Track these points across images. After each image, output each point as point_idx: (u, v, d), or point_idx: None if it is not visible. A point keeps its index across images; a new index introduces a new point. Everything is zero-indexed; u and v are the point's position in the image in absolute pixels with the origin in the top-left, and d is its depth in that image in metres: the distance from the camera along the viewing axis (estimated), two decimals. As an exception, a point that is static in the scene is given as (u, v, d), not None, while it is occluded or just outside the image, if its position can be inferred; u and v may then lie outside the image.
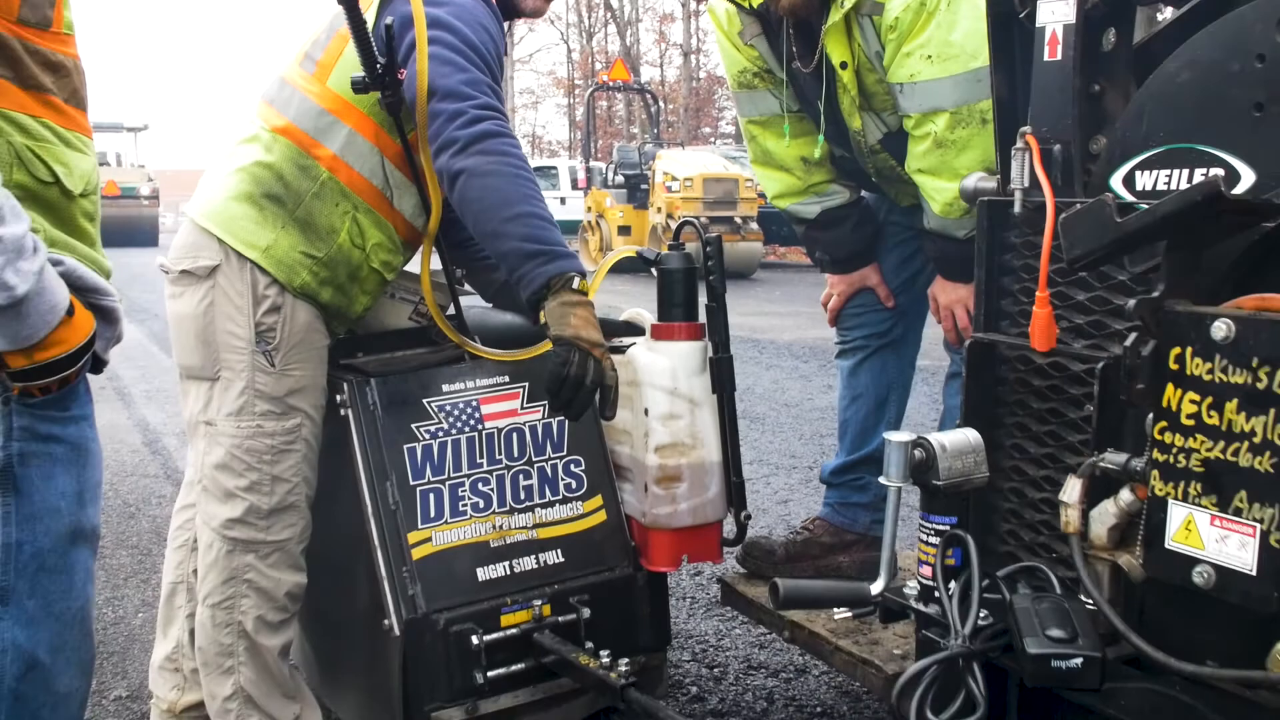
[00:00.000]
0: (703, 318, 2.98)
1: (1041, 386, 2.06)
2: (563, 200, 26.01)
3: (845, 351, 3.49)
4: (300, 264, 2.71)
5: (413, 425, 2.85)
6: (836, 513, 3.40)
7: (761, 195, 18.17)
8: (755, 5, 3.11)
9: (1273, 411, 1.40)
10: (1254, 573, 1.42)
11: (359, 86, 2.58)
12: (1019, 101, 2.34)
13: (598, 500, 3.02)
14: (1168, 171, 1.91)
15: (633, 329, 3.10)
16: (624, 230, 19.54)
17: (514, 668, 2.84)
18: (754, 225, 18.06)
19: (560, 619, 2.88)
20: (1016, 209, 2.13)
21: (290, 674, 2.92)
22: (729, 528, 3.07)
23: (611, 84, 20.23)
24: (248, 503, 2.74)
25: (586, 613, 2.90)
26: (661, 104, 24.13)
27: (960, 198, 2.63)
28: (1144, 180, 1.94)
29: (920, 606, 1.71)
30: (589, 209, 20.64)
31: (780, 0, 3.00)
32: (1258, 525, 1.42)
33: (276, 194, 2.71)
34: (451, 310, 3.03)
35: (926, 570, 1.73)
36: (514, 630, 2.83)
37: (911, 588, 1.77)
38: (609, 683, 2.62)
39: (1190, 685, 1.49)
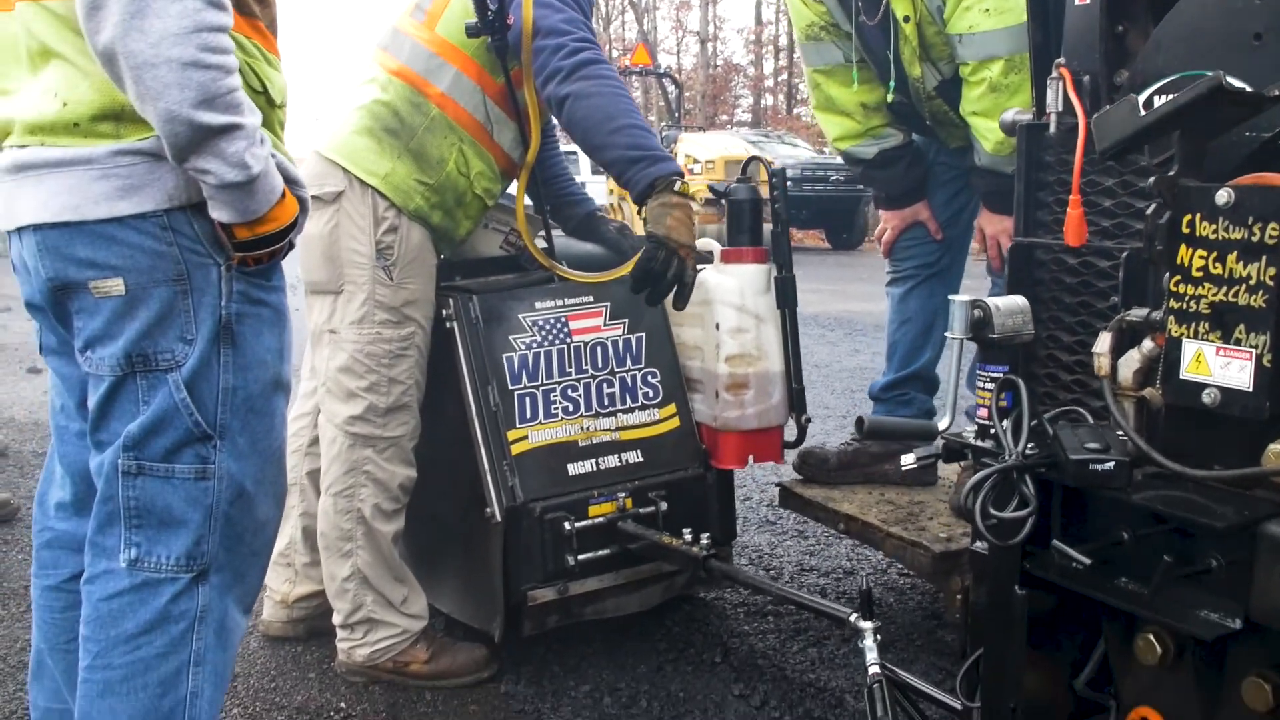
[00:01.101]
0: (768, 243, 3.34)
1: (1073, 283, 2.41)
2: (583, 185, 26.32)
3: (897, 280, 3.86)
4: (415, 190, 3.08)
5: (510, 337, 3.21)
6: (919, 462, 3.74)
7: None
8: None
9: (1264, 258, 1.75)
10: (1250, 389, 1.78)
11: (472, 31, 2.95)
12: (1052, 44, 2.69)
13: (672, 408, 3.38)
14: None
15: (703, 257, 3.46)
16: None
17: (601, 553, 3.20)
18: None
19: (641, 510, 3.24)
20: (1051, 130, 2.48)
21: (400, 561, 3.28)
22: (790, 434, 3.42)
23: (634, 69, 20.55)
24: (367, 401, 3.11)
25: (664, 506, 3.25)
26: (681, 91, 24.40)
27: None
28: (1160, 103, 2.29)
29: (979, 442, 2.06)
30: (610, 191, 20.98)
31: None
32: (1254, 351, 1.78)
33: (393, 128, 3.08)
34: (540, 240, 3.40)
35: (983, 412, 2.08)
36: (601, 519, 3.20)
37: (970, 430, 2.13)
38: (692, 554, 2.99)
39: (1200, 486, 1.85)
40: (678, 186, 2.89)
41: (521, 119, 3.14)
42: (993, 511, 1.89)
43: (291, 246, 2.12)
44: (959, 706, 2.25)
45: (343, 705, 3.13)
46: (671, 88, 22.88)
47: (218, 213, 1.95)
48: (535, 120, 3.11)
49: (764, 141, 21.27)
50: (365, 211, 3.06)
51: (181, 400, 2.01)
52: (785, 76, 37.97)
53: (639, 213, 2.93)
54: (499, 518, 3.12)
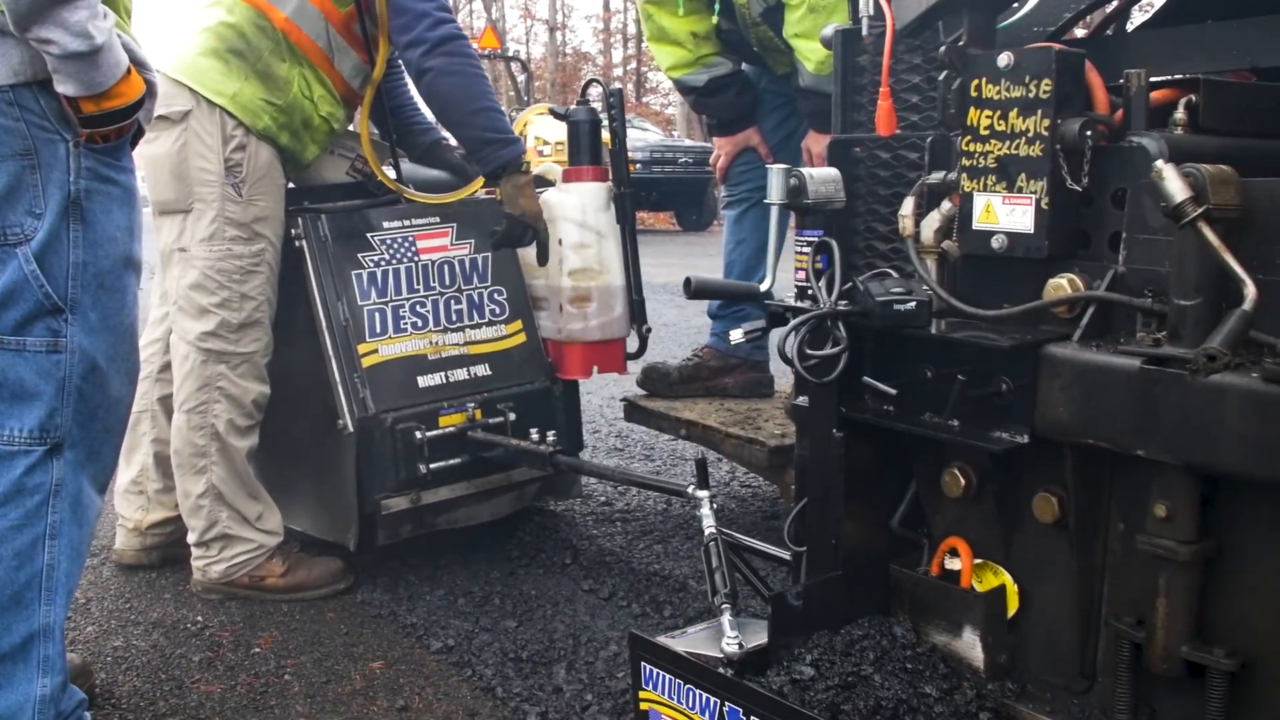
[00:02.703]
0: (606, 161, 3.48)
1: (887, 175, 2.61)
2: (430, 169, 26.10)
3: (732, 203, 4.05)
4: (262, 109, 3.14)
5: (359, 255, 3.30)
6: (721, 340, 3.94)
7: (633, 161, 18.70)
8: None
9: (1039, 111, 1.95)
10: (1032, 231, 1.98)
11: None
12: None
13: (518, 324, 3.50)
14: None
15: (545, 181, 3.59)
16: (492, 193, 19.81)
17: (452, 462, 3.30)
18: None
19: (490, 421, 3.36)
20: (864, 33, 2.66)
21: (254, 477, 3.33)
22: (632, 346, 3.57)
23: (481, 53, 20.51)
24: (219, 317, 3.16)
25: (512, 417, 3.37)
26: (530, 76, 24.44)
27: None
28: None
29: (798, 304, 2.23)
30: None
31: None
32: (1034, 196, 1.98)
33: (239, 49, 3.14)
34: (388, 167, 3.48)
35: (801, 274, 2.25)
36: (451, 429, 3.30)
37: (790, 294, 2.30)
38: (539, 451, 3.12)
39: (993, 323, 2.05)
40: (524, 167, 3.23)
41: (367, 48, 3.23)
42: (809, 352, 2.06)
43: (140, 128, 2.18)
44: (788, 556, 2.42)
45: (199, 619, 3.17)
46: (520, 73, 22.93)
47: (63, 85, 2.00)
48: (382, 56, 3.21)
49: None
50: (213, 130, 3.11)
51: (31, 272, 2.06)
52: (634, 65, 38.27)
53: (498, 194, 3.26)
54: (351, 429, 3.20)
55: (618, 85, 3.55)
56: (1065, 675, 2.11)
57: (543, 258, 3.37)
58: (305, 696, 2.72)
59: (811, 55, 3.48)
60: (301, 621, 3.15)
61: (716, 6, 3.71)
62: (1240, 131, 2.05)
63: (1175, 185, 1.71)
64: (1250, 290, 1.66)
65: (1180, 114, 2.01)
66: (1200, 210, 1.70)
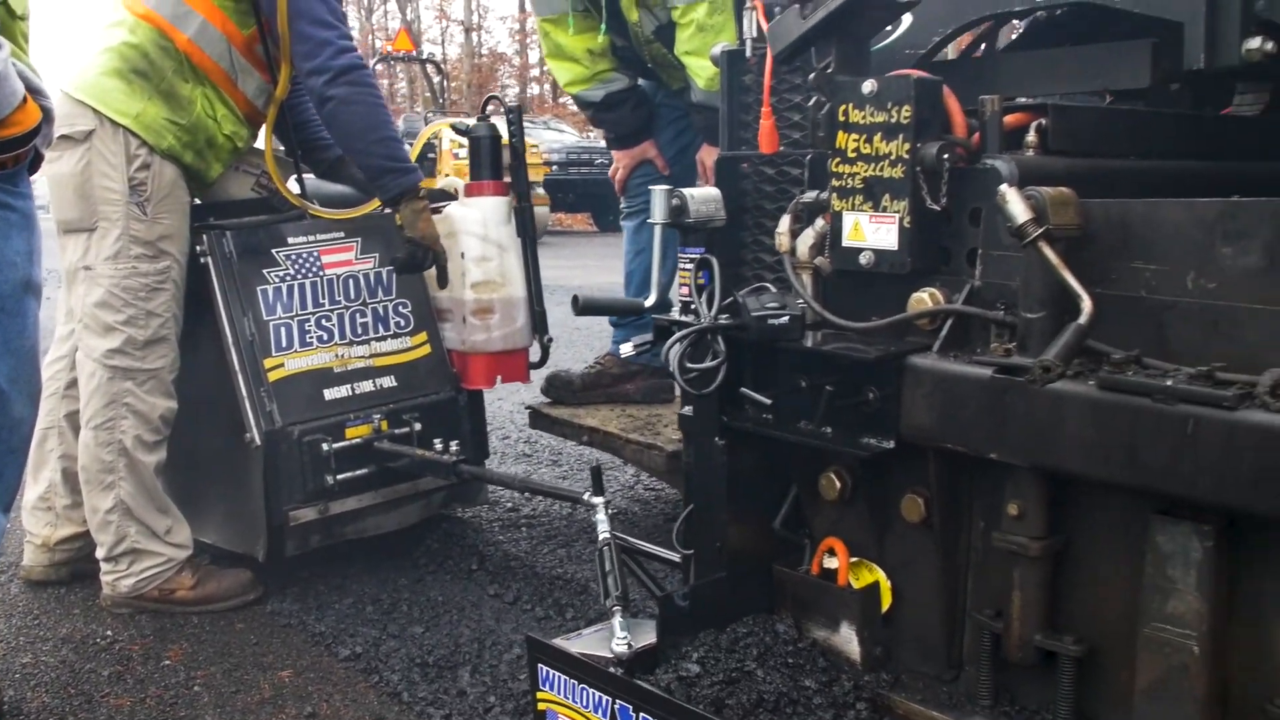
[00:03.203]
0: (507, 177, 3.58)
1: (771, 190, 2.72)
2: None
3: (630, 214, 4.16)
4: (166, 129, 3.19)
5: (264, 270, 3.36)
6: (636, 349, 4.03)
7: (548, 163, 18.79)
8: None
9: (900, 136, 2.08)
10: (896, 248, 2.11)
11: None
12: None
13: (423, 336, 3.58)
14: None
15: (447, 195, 3.68)
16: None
17: (359, 472, 3.38)
18: (541, 190, 18.65)
19: (396, 432, 3.43)
20: (748, 54, 2.78)
21: (163, 492, 3.37)
22: (535, 356, 3.67)
23: (395, 55, 20.50)
24: (126, 334, 3.20)
25: (418, 427, 3.46)
26: (445, 78, 24.45)
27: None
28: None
29: (682, 318, 2.34)
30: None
31: None
32: (897, 215, 2.11)
33: (143, 70, 3.18)
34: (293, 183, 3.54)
35: (685, 290, 2.36)
36: (358, 440, 3.38)
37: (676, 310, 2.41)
38: (443, 461, 3.20)
39: (861, 335, 2.18)
40: (421, 192, 3.32)
41: (270, 69, 3.29)
42: (690, 365, 2.18)
43: (38, 155, 2.23)
44: (677, 558, 2.54)
45: (109, 634, 3.21)
46: (436, 75, 22.93)
47: None
48: (285, 76, 3.27)
49: (530, 127, 21.52)
50: (117, 149, 3.15)
51: None
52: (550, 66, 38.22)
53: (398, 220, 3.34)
54: (259, 442, 3.26)
55: (516, 102, 3.65)
56: (934, 665, 2.25)
57: (442, 281, 3.46)
58: (215, 707, 2.78)
59: (702, 72, 3.60)
60: (211, 633, 3.20)
61: (603, 27, 3.82)
62: (1087, 152, 2.19)
63: (1018, 207, 1.84)
64: (1087, 304, 1.80)
65: (1031, 137, 2.15)
66: (1040, 230, 1.83)
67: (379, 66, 24.35)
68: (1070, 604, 2.02)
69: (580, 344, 6.81)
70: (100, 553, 3.33)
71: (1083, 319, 1.79)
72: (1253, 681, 1.82)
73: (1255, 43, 2.08)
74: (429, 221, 3.35)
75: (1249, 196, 1.81)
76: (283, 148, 3.57)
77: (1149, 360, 1.81)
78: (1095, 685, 1.99)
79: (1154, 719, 1.85)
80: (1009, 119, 2.17)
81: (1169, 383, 1.72)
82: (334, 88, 3.16)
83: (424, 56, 23.03)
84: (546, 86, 37.33)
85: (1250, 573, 1.80)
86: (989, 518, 2.10)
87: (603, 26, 3.83)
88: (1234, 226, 1.75)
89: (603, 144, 5.46)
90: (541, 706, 2.25)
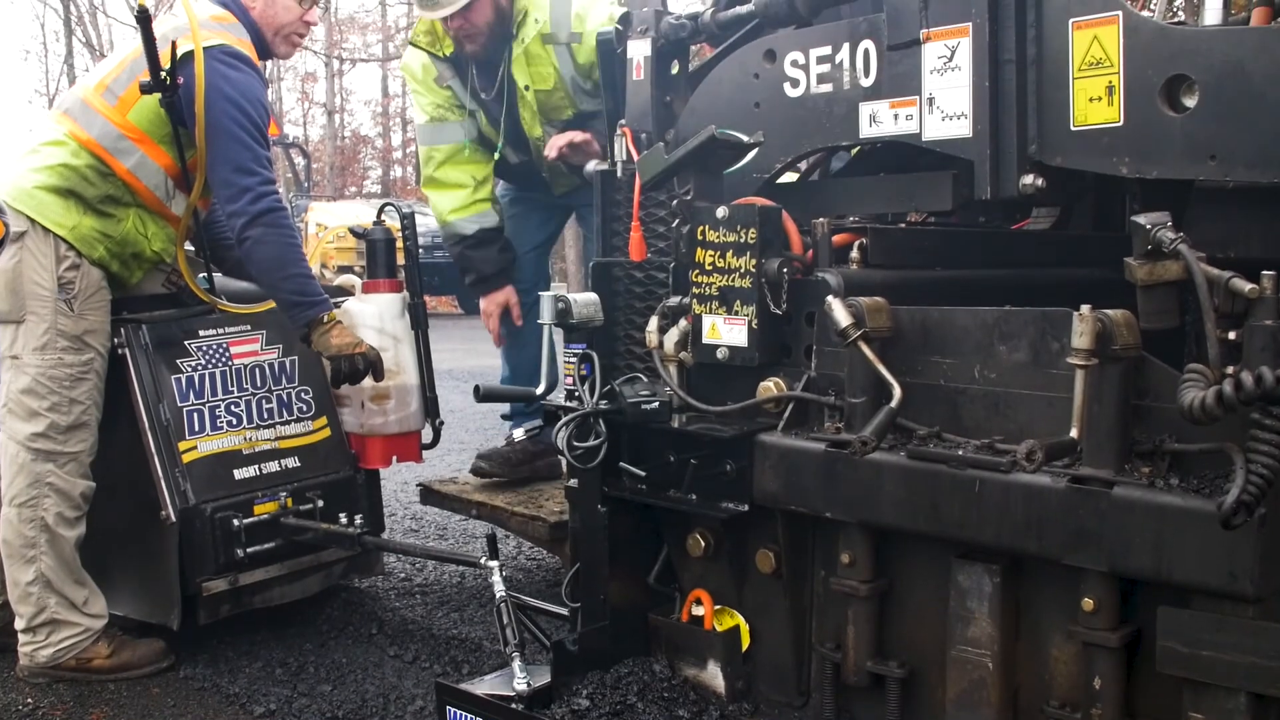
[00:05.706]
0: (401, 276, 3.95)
1: (640, 291, 3.16)
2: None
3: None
4: (98, 241, 3.50)
5: (177, 360, 3.66)
6: (527, 433, 4.38)
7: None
8: (447, 54, 4.17)
9: (748, 253, 2.55)
10: (746, 345, 2.57)
11: (145, 88, 3.41)
12: (619, 109, 3.43)
13: (324, 420, 3.92)
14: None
15: (345, 292, 4.04)
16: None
17: (266, 546, 3.67)
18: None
19: (301, 508, 3.75)
20: (619, 174, 3.22)
21: (80, 566, 3.62)
22: (427, 437, 4.02)
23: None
24: (49, 420, 3.47)
25: (321, 503, 3.77)
26: (309, 160, 24.62)
27: (587, 180, 3.71)
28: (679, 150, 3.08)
29: (568, 404, 2.75)
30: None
31: (467, 48, 4.08)
32: (746, 318, 2.57)
33: (79, 190, 3.48)
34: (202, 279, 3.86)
35: (569, 380, 2.78)
36: (265, 516, 3.68)
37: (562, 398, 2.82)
38: (347, 533, 3.53)
39: (719, 416, 2.61)
40: (326, 319, 3.59)
41: (186, 185, 3.63)
42: (576, 444, 2.59)
43: None
44: (565, 612, 2.93)
45: (29, 701, 3.43)
46: (299, 158, 23.11)
47: None
48: (198, 188, 3.59)
49: (395, 211, 21.75)
50: (48, 250, 3.44)
51: None
52: (414, 148, 38.47)
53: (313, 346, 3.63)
54: (174, 519, 3.54)
55: (410, 209, 4.03)
56: (787, 694, 2.67)
57: (378, 375, 3.69)
58: (142, 762, 3.04)
59: None
60: (129, 698, 3.45)
61: (500, 147, 4.23)
62: (899, 265, 2.68)
63: (841, 315, 2.31)
64: (897, 391, 2.26)
65: (855, 253, 2.63)
66: (860, 333, 2.30)
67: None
68: (894, 635, 2.47)
69: (460, 424, 7.19)
70: (19, 624, 3.54)
71: (894, 403, 2.25)
72: (1035, 689, 2.28)
73: (1029, 179, 2.56)
74: (340, 333, 3.61)
75: (1032, 302, 2.29)
76: (192, 248, 3.88)
77: (946, 434, 2.28)
78: (917, 701, 2.44)
79: (958, 724, 2.31)
80: (837, 238, 2.65)
81: (961, 452, 2.19)
82: (251, 229, 3.48)
83: (288, 140, 23.19)
84: (409, 169, 37.61)
85: (1030, 602, 2.28)
86: (827, 566, 2.55)
87: (499, 147, 4.23)
88: (1007, 329, 2.24)
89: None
90: (450, 745, 2.61)
